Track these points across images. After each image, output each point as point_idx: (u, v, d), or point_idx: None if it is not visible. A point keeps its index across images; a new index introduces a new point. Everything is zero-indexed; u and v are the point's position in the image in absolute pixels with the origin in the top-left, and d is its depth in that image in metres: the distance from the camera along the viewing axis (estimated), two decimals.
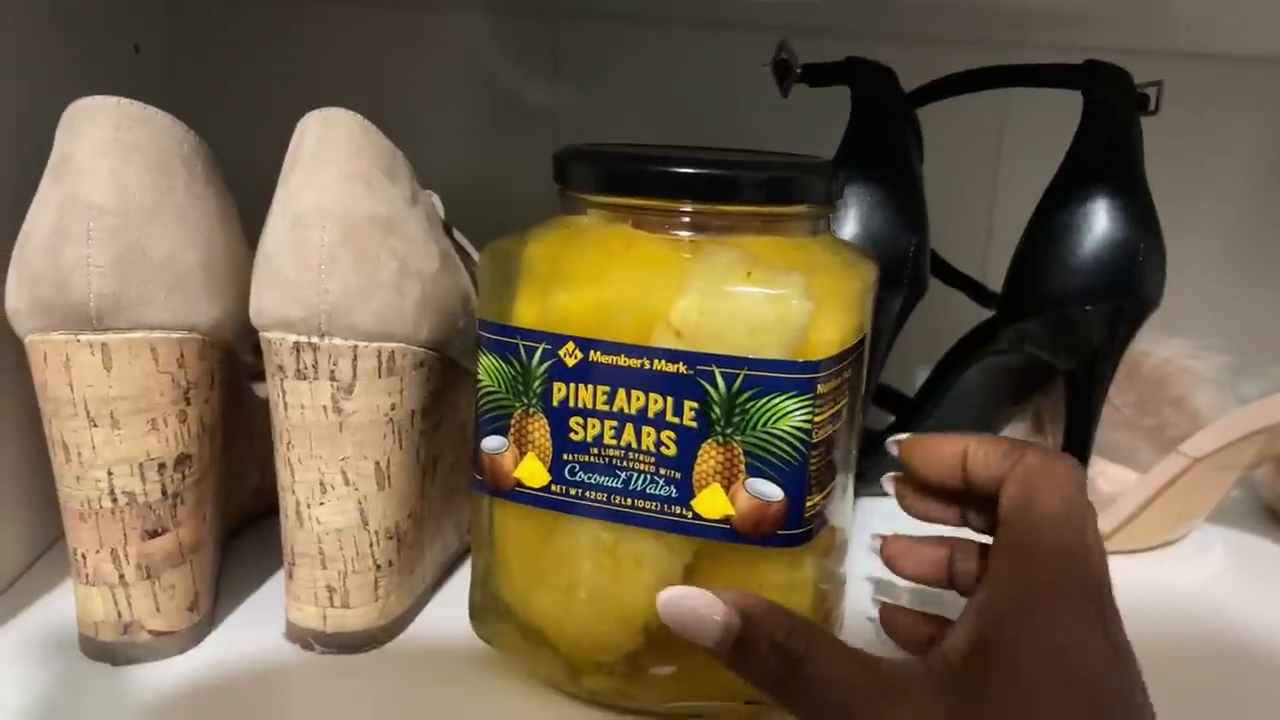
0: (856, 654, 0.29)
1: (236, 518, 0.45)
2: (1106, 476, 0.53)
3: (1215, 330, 0.54)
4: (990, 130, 0.65)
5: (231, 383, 0.39)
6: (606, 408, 0.33)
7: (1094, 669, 0.27)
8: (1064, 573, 0.29)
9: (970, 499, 0.35)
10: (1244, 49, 0.63)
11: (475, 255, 0.41)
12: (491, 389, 0.34)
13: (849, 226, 0.39)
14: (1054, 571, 0.29)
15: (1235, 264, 0.67)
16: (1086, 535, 0.30)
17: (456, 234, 0.41)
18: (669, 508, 0.33)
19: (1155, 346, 0.53)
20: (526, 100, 0.64)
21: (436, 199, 0.40)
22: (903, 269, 0.39)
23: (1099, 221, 0.40)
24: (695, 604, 0.30)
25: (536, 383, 0.33)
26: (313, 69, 0.62)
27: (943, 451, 0.35)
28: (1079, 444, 0.44)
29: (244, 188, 0.39)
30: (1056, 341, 0.42)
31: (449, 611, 0.41)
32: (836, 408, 0.33)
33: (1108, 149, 0.41)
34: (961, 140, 0.64)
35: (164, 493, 0.35)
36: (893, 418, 0.56)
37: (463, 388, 0.40)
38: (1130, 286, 0.41)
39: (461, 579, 0.43)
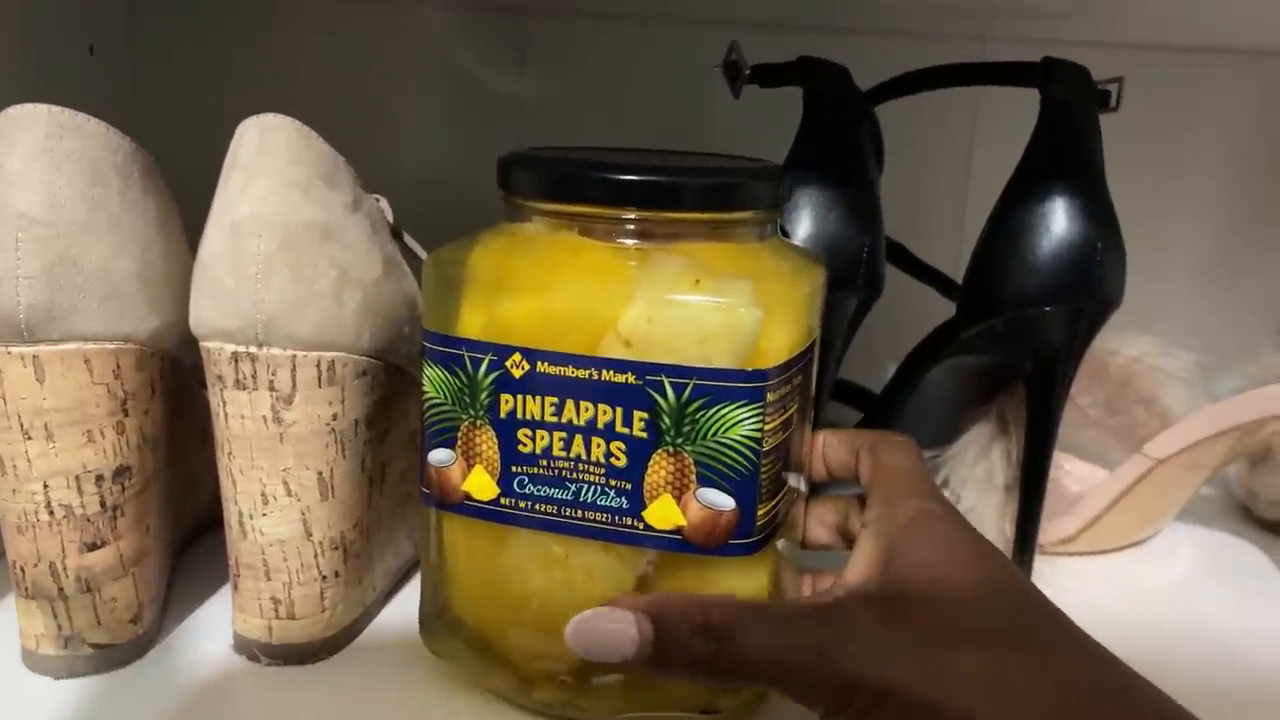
0: (777, 610, 0.32)
1: (189, 525, 0.44)
2: (1074, 476, 0.53)
3: (1188, 328, 0.54)
4: (962, 126, 0.64)
5: (177, 391, 0.39)
6: (555, 419, 0.32)
7: (985, 549, 0.32)
8: (925, 500, 0.34)
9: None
10: (1217, 41, 0.63)
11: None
12: (438, 401, 0.34)
13: (802, 228, 0.38)
14: (921, 501, 0.34)
15: (1207, 260, 0.67)
16: (928, 471, 0.36)
17: (407, 238, 0.40)
18: (620, 519, 0.32)
19: (1124, 345, 0.53)
20: (494, 95, 0.63)
21: (385, 203, 0.39)
22: (856, 270, 0.39)
23: (1056, 221, 0.40)
24: (601, 623, 0.30)
25: (483, 394, 0.33)
26: (277, 66, 0.62)
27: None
28: (1040, 444, 0.43)
29: (206, 189, 0.38)
30: (1015, 342, 0.42)
31: (401, 621, 0.40)
32: (787, 414, 0.33)
33: (1065, 147, 0.40)
34: (933, 136, 0.64)
35: (103, 505, 0.35)
36: (861, 415, 0.56)
37: (412, 395, 0.39)
38: (1089, 286, 0.40)
39: (416, 587, 0.42)
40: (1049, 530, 0.49)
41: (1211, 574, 0.50)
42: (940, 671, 0.28)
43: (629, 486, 0.32)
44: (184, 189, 0.38)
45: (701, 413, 0.31)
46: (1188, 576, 0.50)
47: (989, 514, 0.48)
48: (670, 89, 0.62)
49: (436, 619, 0.36)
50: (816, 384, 0.37)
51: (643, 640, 0.29)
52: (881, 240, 0.40)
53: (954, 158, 0.65)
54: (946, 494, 0.50)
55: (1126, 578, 0.49)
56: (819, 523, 0.38)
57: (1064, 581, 0.47)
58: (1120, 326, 0.50)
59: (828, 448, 0.38)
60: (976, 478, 0.49)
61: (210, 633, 0.39)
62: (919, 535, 0.32)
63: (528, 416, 0.32)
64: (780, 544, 0.35)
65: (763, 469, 0.32)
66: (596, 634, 0.30)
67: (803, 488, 0.37)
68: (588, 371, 0.31)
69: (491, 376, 0.32)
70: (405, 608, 0.41)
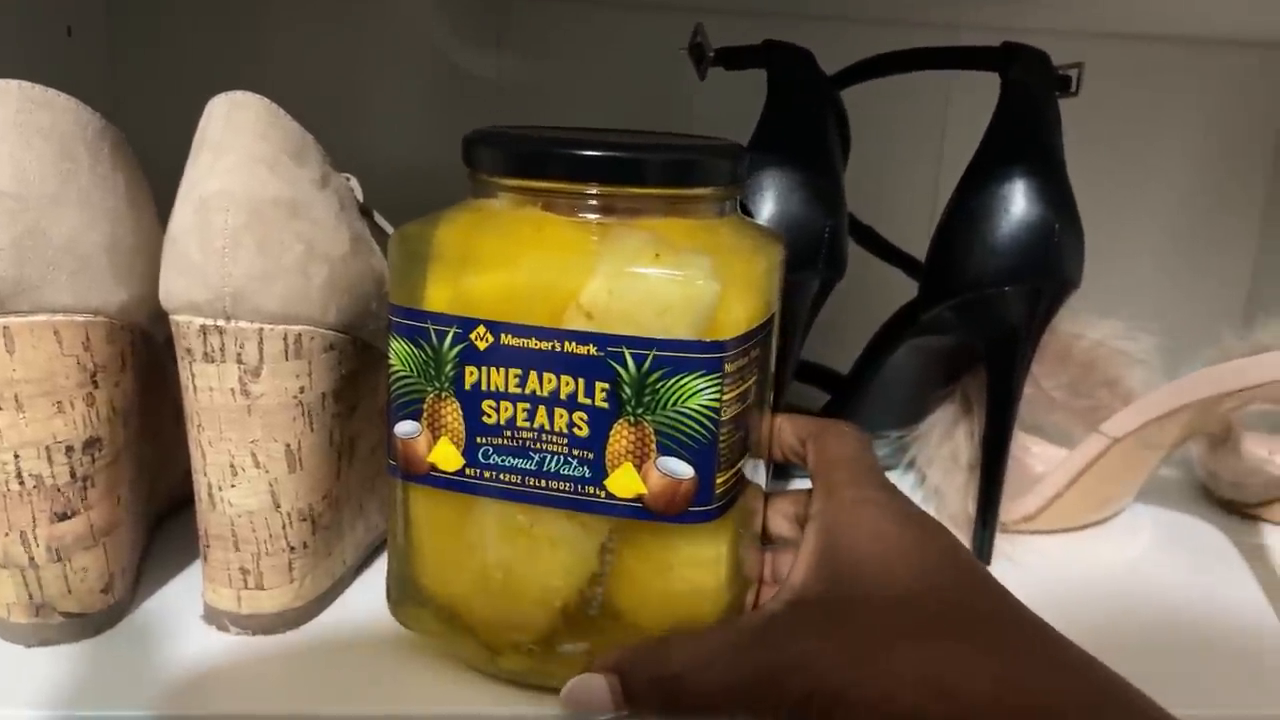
0: (723, 635, 0.32)
1: (164, 500, 0.44)
2: (1040, 458, 0.54)
3: (1151, 313, 0.54)
4: (935, 111, 0.65)
5: (150, 366, 0.39)
6: (519, 390, 0.33)
7: (926, 536, 0.33)
8: (866, 488, 0.34)
9: None
10: (1189, 30, 0.64)
11: None
12: (403, 373, 0.34)
13: (765, 209, 0.39)
14: (859, 488, 0.34)
15: (1170, 246, 0.68)
16: (873, 459, 0.36)
17: (377, 216, 0.41)
18: (582, 488, 0.33)
19: (1088, 329, 0.54)
20: (471, 78, 0.64)
21: (355, 182, 0.39)
22: (818, 251, 0.40)
23: (1014, 203, 0.40)
24: (583, 686, 0.32)
25: (448, 367, 0.33)
26: (255, 48, 0.62)
27: None
28: (1000, 423, 0.44)
29: (183, 169, 0.38)
30: (975, 322, 0.43)
31: (371, 593, 0.41)
32: (745, 386, 0.33)
33: (1024, 130, 0.41)
34: (907, 121, 0.64)
35: (73, 475, 0.35)
36: (828, 397, 0.57)
37: (382, 370, 0.39)
38: (1046, 267, 0.41)
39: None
40: (1011, 509, 0.49)
41: (1172, 553, 0.51)
42: (883, 673, 0.28)
43: (591, 456, 0.33)
44: (162, 170, 0.38)
45: (661, 383, 0.32)
46: (1148, 555, 0.51)
47: (952, 493, 0.49)
48: (647, 73, 0.63)
49: (404, 590, 0.37)
50: (779, 363, 0.37)
51: (614, 692, 0.31)
52: (844, 222, 0.41)
53: (927, 143, 0.66)
54: (912, 474, 0.51)
55: (1088, 556, 0.50)
56: (780, 515, 0.39)
57: (1026, 559, 0.48)
58: (1084, 310, 0.51)
59: (781, 432, 0.38)
60: (941, 458, 0.50)
61: (182, 604, 0.40)
62: (858, 527, 0.33)
63: (492, 388, 0.33)
64: (747, 512, 0.35)
65: (721, 438, 0.32)
66: (581, 692, 0.32)
67: (761, 479, 0.38)
68: (550, 343, 0.32)
69: (456, 349, 0.33)
70: (376, 580, 0.42)
